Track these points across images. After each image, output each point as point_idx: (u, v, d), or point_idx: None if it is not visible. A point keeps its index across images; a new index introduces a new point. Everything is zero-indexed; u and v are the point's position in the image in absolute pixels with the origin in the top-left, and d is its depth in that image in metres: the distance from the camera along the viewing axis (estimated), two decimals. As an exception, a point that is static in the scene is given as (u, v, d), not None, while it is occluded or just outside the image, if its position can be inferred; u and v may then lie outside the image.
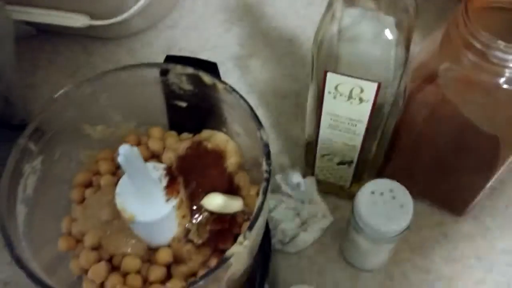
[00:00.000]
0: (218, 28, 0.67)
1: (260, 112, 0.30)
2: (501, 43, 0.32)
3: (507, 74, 0.34)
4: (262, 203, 0.27)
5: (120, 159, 0.27)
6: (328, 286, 0.48)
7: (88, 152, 0.36)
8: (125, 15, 0.61)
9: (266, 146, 0.29)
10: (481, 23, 0.33)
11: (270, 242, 0.42)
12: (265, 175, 0.28)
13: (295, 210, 0.48)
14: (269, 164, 0.28)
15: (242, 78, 0.62)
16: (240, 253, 0.27)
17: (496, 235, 0.50)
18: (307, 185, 0.47)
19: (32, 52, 0.65)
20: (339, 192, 0.52)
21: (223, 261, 0.26)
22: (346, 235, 0.46)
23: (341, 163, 0.46)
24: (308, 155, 0.48)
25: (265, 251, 0.41)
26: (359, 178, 0.48)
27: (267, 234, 0.42)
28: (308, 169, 0.50)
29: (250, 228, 0.27)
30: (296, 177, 0.47)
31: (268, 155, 0.29)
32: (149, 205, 0.31)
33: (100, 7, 0.61)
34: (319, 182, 0.49)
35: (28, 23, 0.61)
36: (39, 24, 0.61)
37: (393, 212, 0.40)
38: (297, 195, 0.48)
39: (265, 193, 0.27)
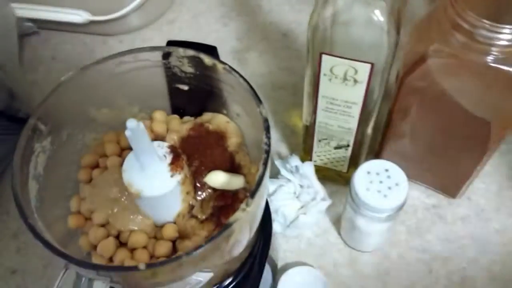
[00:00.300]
0: (216, 23, 0.68)
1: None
2: (487, 23, 0.34)
3: (494, 53, 0.36)
4: (263, 173, 0.29)
5: (127, 133, 0.28)
6: (328, 267, 0.49)
7: (93, 135, 0.38)
8: (124, 11, 0.63)
9: (266, 121, 0.31)
10: (468, 4, 0.35)
11: (271, 223, 0.44)
12: (265, 147, 0.30)
13: (295, 194, 0.49)
14: (268, 138, 0.30)
15: (240, 71, 0.63)
16: (242, 220, 0.28)
17: (490, 216, 0.52)
18: (305, 169, 0.49)
19: (34, 49, 0.67)
20: (336, 178, 0.53)
21: (227, 226, 0.27)
22: (344, 216, 0.48)
23: (338, 147, 0.48)
24: (306, 141, 0.50)
25: (266, 231, 0.42)
26: (355, 163, 0.50)
27: (268, 216, 0.44)
28: (306, 155, 0.52)
29: (252, 195, 0.28)
30: (294, 161, 0.49)
31: (267, 129, 0.30)
32: (154, 181, 0.32)
33: (100, 3, 0.62)
34: (317, 169, 0.51)
35: (31, 20, 0.63)
36: (42, 20, 0.63)
37: (389, 190, 0.42)
38: (296, 180, 0.49)
39: (265, 164, 0.29)
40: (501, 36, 0.34)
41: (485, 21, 0.33)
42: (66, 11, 0.61)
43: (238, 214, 0.28)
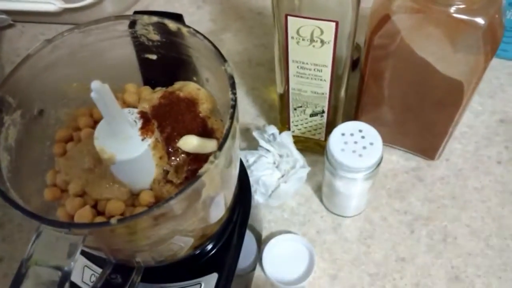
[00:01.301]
0: (190, 6, 0.69)
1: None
2: (446, -28, 0.34)
3: (456, 2, 0.36)
4: (230, 126, 0.29)
5: (93, 95, 0.29)
6: (312, 234, 0.50)
7: (66, 110, 0.38)
8: (98, -2, 0.63)
9: (231, 77, 0.31)
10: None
11: (250, 191, 0.44)
12: (231, 102, 0.30)
13: (274, 164, 0.50)
14: (234, 93, 0.30)
15: (216, 50, 0.64)
16: (212, 173, 0.29)
17: (468, 175, 0.52)
18: (283, 138, 0.49)
19: (10, 42, 0.67)
20: (316, 148, 0.54)
21: (196, 178, 0.28)
22: (324, 182, 0.48)
23: (313, 114, 0.48)
24: (282, 111, 0.50)
25: (246, 199, 0.43)
26: (332, 130, 0.50)
27: (247, 184, 0.44)
28: (284, 126, 0.52)
29: (220, 148, 0.29)
30: (271, 129, 0.49)
31: (233, 85, 0.31)
32: (126, 145, 0.32)
33: (73, -8, 0.62)
34: (296, 140, 0.51)
35: (5, 12, 0.63)
36: (16, 12, 0.63)
37: (364, 150, 0.42)
38: (275, 150, 0.49)
39: (231, 118, 0.29)
40: (460, -15, 0.34)
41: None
42: (39, 0, 0.61)
43: (206, 166, 0.28)
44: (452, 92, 0.43)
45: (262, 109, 0.59)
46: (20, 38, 0.67)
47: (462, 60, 0.40)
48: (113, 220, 0.27)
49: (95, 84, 0.28)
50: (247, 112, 0.58)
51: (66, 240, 0.29)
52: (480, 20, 0.36)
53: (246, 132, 0.56)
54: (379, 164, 0.43)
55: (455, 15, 0.37)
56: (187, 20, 0.67)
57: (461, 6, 0.36)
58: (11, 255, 0.51)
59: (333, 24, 0.37)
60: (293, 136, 0.51)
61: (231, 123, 0.29)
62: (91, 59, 0.37)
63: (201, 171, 0.28)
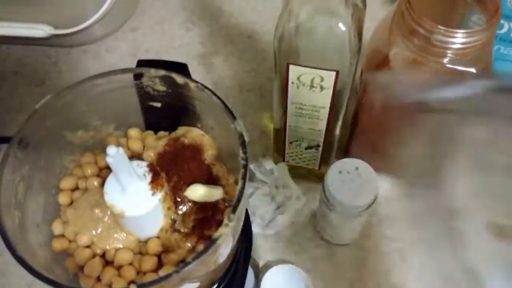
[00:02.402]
0: (179, 28, 0.69)
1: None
2: (442, 28, 0.36)
3: (449, 55, 0.38)
4: (242, 187, 0.30)
5: (108, 160, 0.29)
6: (307, 263, 0.51)
7: (71, 157, 0.38)
8: (87, 23, 0.62)
9: (241, 136, 0.32)
10: (423, 11, 0.37)
11: (251, 227, 0.45)
12: (243, 162, 0.31)
13: (271, 195, 0.51)
14: (245, 152, 0.31)
15: (207, 75, 0.64)
16: (227, 234, 0.30)
17: (455, 201, 0.55)
18: (279, 170, 0.50)
19: (-3, 66, 0.66)
20: (309, 176, 0.55)
21: (212, 242, 0.28)
22: (319, 213, 0.50)
23: (308, 147, 0.49)
24: (277, 143, 0.51)
25: (247, 235, 0.44)
26: (326, 160, 0.52)
27: (247, 220, 0.45)
28: (279, 156, 0.53)
29: (234, 210, 0.29)
30: (269, 164, 0.50)
31: (243, 144, 0.32)
32: (136, 200, 0.33)
33: (62, 17, 0.62)
34: (290, 168, 0.53)
35: (-8, 37, 0.62)
36: (3, 37, 0.62)
37: (360, 188, 0.44)
38: (271, 181, 0.51)
39: (244, 178, 0.30)
40: (455, 40, 0.36)
41: (440, 27, 0.35)
42: (28, 26, 0.60)
43: (221, 230, 0.29)
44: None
45: (254, 135, 0.59)
46: (6, 61, 0.66)
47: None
48: (132, 287, 0.28)
49: (111, 150, 0.29)
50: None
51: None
52: (472, 70, 0.38)
53: (240, 160, 0.57)
54: (375, 200, 0.44)
55: (448, 65, 0.38)
56: (177, 43, 0.68)
57: (454, 58, 0.38)
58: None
59: (334, 73, 0.39)
60: (287, 165, 0.52)
61: (244, 184, 0.30)
62: (96, 107, 0.38)
63: (216, 234, 0.29)
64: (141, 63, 0.37)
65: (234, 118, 0.33)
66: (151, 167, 0.34)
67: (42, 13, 0.61)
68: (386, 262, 0.51)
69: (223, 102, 0.33)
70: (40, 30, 0.60)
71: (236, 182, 0.32)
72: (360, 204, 0.43)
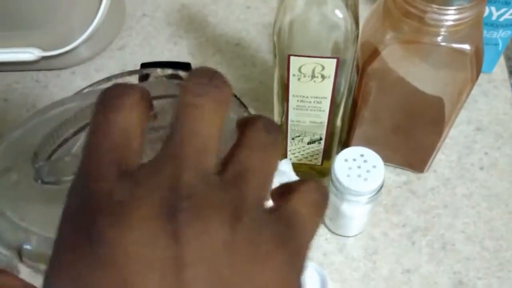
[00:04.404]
0: (167, 43, 0.69)
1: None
2: (435, 6, 0.37)
3: (442, 33, 0.39)
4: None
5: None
6: (318, 257, 0.52)
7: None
8: (74, 44, 0.62)
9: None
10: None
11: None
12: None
13: (277, 193, 0.51)
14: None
15: (199, 85, 0.65)
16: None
17: (456, 183, 0.56)
18: (283, 166, 0.51)
19: (-14, 94, 0.65)
20: (311, 172, 0.56)
21: None
22: (328, 205, 0.50)
23: (311, 141, 0.50)
24: (279, 141, 0.52)
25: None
26: (328, 155, 0.52)
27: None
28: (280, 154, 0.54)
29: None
30: (274, 161, 0.51)
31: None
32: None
33: (50, 39, 0.62)
34: (292, 165, 0.53)
35: (-20, 65, 0.61)
36: (-9, 64, 0.61)
37: (367, 173, 0.44)
38: (276, 178, 0.51)
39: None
40: (447, 17, 0.37)
41: (433, 5, 0.37)
42: (17, 51, 0.60)
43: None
44: (441, 111, 0.46)
45: (253, 138, 0.60)
46: (-6, 89, 0.66)
47: (451, 83, 0.43)
48: None
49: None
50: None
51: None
52: (467, 47, 0.39)
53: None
54: (382, 185, 0.45)
55: (442, 43, 0.40)
56: (166, 57, 0.68)
57: (447, 35, 0.39)
58: None
59: (334, 60, 0.40)
60: (289, 163, 0.53)
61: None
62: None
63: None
64: (145, 65, 0.37)
65: (245, 107, 0.33)
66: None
67: (30, 37, 0.61)
68: (397, 248, 0.52)
69: (234, 95, 0.34)
70: (29, 54, 0.60)
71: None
72: (371, 189, 0.44)
